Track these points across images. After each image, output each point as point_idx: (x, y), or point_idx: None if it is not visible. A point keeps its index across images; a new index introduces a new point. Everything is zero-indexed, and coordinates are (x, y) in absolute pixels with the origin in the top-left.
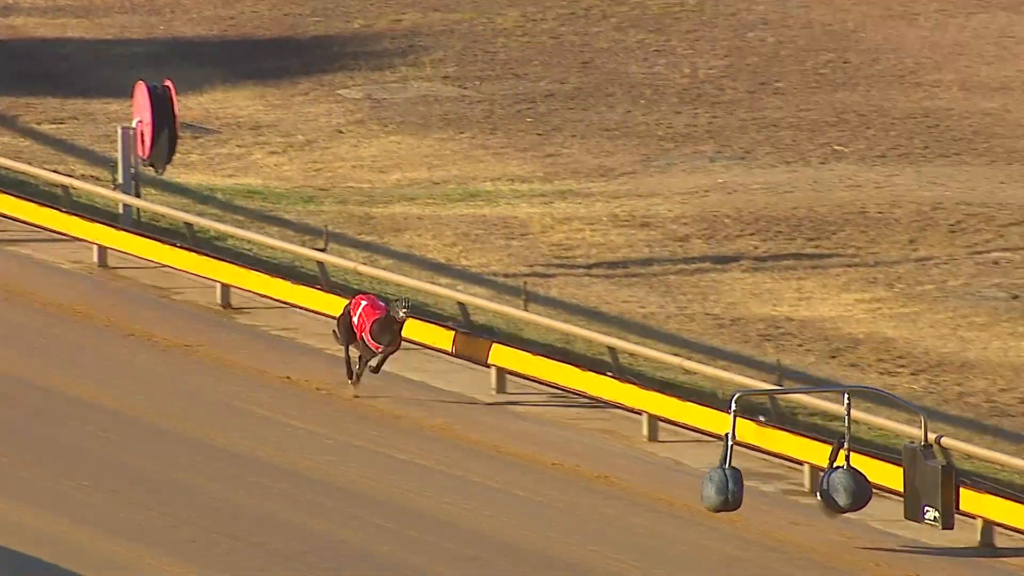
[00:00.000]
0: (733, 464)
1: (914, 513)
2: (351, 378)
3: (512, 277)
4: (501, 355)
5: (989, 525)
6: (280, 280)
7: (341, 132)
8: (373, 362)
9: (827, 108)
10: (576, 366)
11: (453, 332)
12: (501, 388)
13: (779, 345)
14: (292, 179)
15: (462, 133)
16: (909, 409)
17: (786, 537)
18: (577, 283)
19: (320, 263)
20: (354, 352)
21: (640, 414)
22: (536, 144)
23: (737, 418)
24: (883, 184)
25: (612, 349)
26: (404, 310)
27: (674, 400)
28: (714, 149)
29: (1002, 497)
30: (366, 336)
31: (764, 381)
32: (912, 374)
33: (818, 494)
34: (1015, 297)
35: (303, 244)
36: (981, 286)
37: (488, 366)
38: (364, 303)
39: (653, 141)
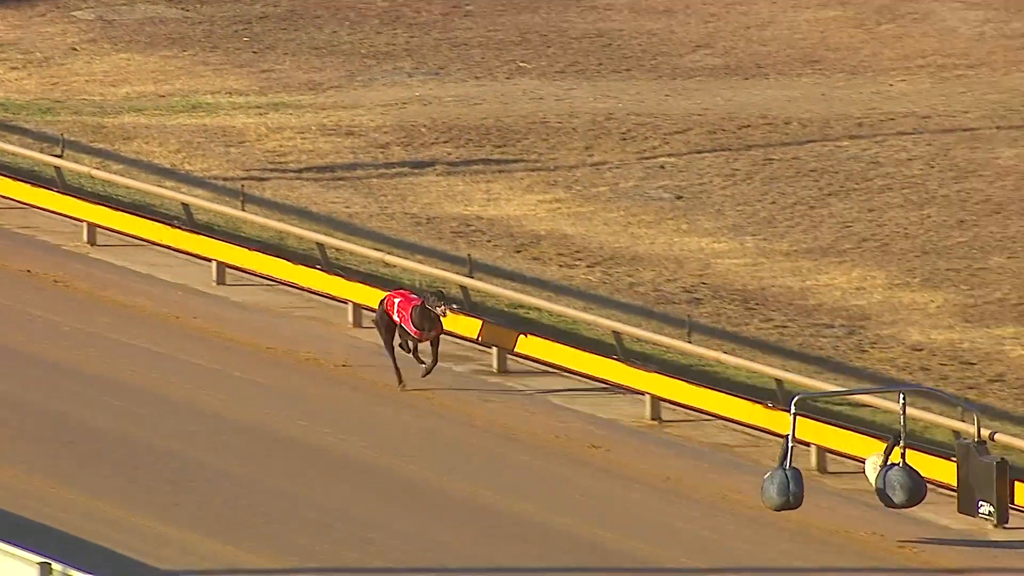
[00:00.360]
0: (793, 465)
1: (968, 507)
2: (400, 381)
3: (231, 180)
4: (221, 250)
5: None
6: (21, 183)
7: (75, 50)
8: (427, 362)
9: (512, 29)
10: (288, 260)
11: (176, 229)
12: (221, 280)
13: (470, 241)
14: (31, 92)
15: (185, 51)
16: (961, 407)
17: (477, 412)
18: (289, 186)
19: (57, 168)
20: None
21: (346, 303)
22: (252, 61)
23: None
24: (562, 97)
25: (320, 245)
26: (442, 305)
27: (376, 290)
28: (411, 65)
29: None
30: (406, 324)
31: (457, 273)
32: (588, 266)
33: (875, 492)
34: (679, 198)
35: (41, 151)
36: (649, 188)
37: (209, 260)
38: (398, 300)
39: (357, 58)
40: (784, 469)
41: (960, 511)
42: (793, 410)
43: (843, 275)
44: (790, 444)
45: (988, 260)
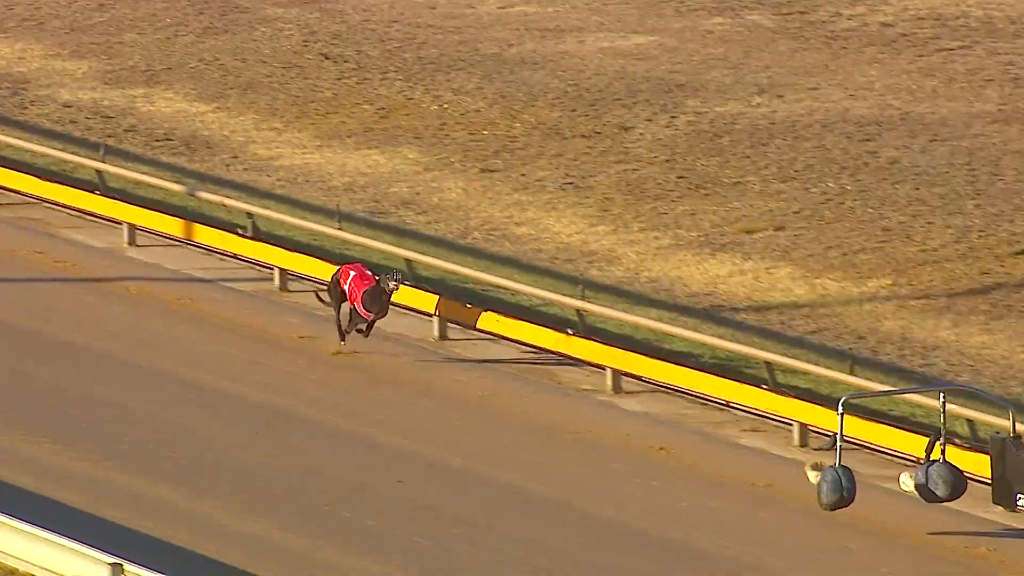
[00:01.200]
0: (843, 463)
1: (1006, 500)
2: (342, 339)
3: None
4: None
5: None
6: None
7: None
8: (362, 326)
9: None
10: None
11: None
12: None
13: None
14: None
15: None
16: (997, 404)
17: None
18: None
19: None
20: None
21: None
22: None
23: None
24: None
25: None
26: (394, 282)
27: None
28: None
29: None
30: (357, 305)
31: None
32: None
33: (915, 488)
34: None
35: None
36: None
37: None
38: (353, 273)
39: None
40: (836, 468)
41: (995, 503)
42: (840, 409)
43: (8, 47)
44: (839, 443)
45: (123, 36)
